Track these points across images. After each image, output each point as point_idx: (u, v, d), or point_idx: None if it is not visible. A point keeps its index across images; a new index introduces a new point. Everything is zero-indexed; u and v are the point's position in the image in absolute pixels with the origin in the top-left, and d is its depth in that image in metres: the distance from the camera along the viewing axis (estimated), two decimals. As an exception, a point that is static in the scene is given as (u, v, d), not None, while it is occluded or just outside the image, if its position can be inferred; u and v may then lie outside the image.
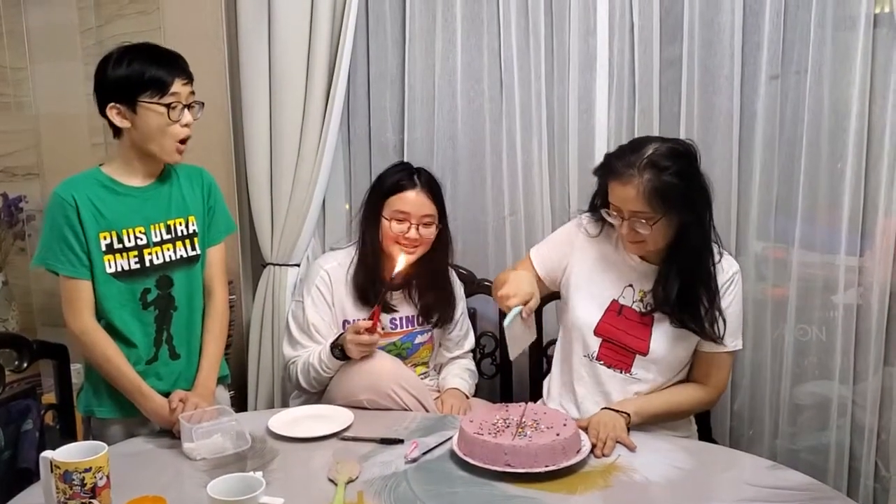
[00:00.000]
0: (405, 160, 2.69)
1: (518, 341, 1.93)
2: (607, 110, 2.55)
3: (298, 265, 2.74)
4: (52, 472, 1.54)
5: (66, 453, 1.55)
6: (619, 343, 2.04)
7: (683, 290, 1.97)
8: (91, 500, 1.52)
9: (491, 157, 2.68)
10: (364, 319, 2.17)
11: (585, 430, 1.87)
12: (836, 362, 2.39)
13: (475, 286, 2.56)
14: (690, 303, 1.97)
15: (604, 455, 1.80)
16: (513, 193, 2.66)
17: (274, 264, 2.75)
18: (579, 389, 2.08)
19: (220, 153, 2.82)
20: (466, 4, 2.63)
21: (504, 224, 2.69)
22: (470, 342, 2.46)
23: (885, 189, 2.28)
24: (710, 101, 2.43)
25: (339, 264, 2.31)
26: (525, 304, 1.90)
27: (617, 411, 1.94)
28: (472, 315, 2.53)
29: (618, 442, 1.85)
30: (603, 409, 1.97)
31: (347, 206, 2.87)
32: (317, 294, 2.28)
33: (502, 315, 2.09)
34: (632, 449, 1.83)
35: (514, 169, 2.64)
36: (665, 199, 1.86)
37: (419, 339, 2.35)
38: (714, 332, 1.98)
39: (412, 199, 2.24)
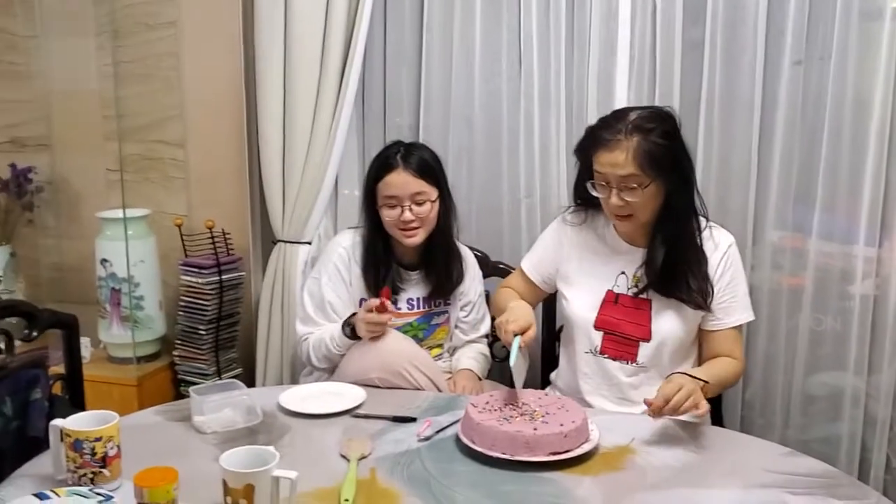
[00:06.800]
0: (420, 141, 2.65)
1: (520, 371, 1.90)
2: (627, 93, 2.52)
3: (310, 243, 2.72)
4: (62, 440, 1.52)
5: (77, 422, 1.53)
6: (621, 333, 2.02)
7: (669, 257, 1.96)
8: (101, 470, 1.50)
9: (508, 138, 2.66)
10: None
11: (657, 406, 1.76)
12: (851, 353, 2.38)
13: (490, 268, 2.54)
14: (678, 271, 1.96)
15: (675, 414, 1.73)
16: (529, 176, 2.64)
17: (284, 241, 2.73)
18: (584, 385, 2.07)
19: (233, 128, 2.79)
20: (486, -18, 2.60)
21: (520, 206, 2.67)
22: (486, 326, 2.44)
23: (905, 179, 2.26)
24: (732, 85, 2.41)
25: (357, 242, 2.28)
26: (523, 332, 1.88)
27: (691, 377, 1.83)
28: (486, 297, 2.50)
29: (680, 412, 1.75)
30: (678, 373, 1.86)
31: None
32: (334, 271, 2.26)
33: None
34: (701, 415, 1.80)
35: (531, 151, 2.62)
36: (654, 160, 1.87)
37: (435, 321, 2.33)
38: (702, 300, 1.97)
39: (396, 181, 2.19)
